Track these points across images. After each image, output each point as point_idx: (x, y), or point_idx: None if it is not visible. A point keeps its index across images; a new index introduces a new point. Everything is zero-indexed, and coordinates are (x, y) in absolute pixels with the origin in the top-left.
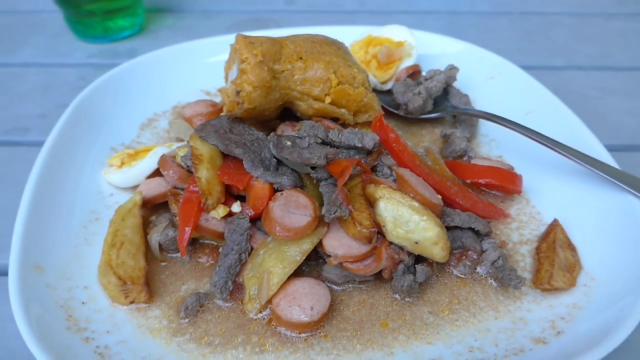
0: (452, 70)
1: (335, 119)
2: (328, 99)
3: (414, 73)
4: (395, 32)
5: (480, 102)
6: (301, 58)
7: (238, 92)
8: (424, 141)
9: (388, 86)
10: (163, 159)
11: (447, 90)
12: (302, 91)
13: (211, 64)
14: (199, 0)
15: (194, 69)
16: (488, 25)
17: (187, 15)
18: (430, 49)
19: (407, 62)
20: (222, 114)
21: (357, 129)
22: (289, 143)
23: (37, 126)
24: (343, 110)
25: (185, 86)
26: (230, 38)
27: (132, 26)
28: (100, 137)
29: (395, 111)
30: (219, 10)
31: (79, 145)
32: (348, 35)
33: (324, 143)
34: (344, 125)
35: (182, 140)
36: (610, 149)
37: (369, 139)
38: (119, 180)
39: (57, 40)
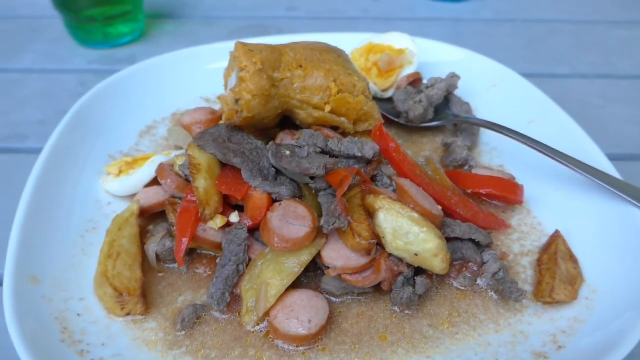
0: (453, 78)
1: (334, 128)
2: (327, 108)
3: (415, 81)
4: (396, 40)
5: (481, 111)
6: (301, 66)
7: (237, 100)
8: (424, 149)
9: (388, 94)
10: (161, 168)
11: (448, 98)
12: (302, 99)
13: (211, 71)
14: (199, 6)
15: (194, 76)
16: (490, 32)
17: (188, 21)
18: (432, 56)
19: (408, 70)
20: (220, 122)
21: (356, 137)
22: (287, 152)
23: (36, 133)
24: (343, 118)
25: (185, 93)
26: (230, 45)
27: (132, 32)
28: (98, 144)
29: (396, 119)
30: (220, 16)
31: (77, 152)
32: (349, 42)
33: (323, 152)
34: (344, 133)
35: (180, 148)
36: (612, 157)
37: (369, 148)
38: (117, 188)
39: (57, 45)
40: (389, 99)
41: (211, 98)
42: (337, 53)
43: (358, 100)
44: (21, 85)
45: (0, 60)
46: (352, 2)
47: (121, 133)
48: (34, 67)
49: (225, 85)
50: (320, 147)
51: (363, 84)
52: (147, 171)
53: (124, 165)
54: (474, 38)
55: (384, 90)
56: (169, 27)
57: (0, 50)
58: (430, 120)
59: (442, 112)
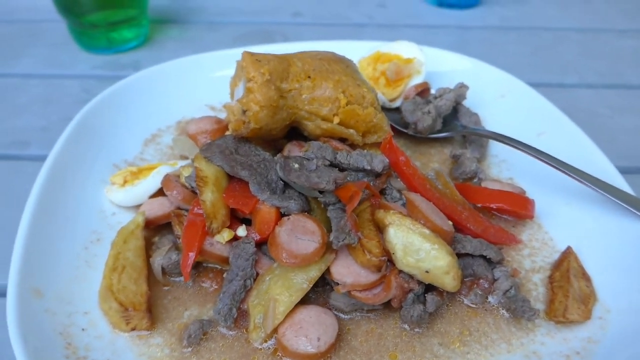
0: (461, 88)
1: (343, 140)
2: (336, 119)
3: (423, 91)
4: (404, 49)
5: (490, 121)
6: (309, 77)
7: (244, 112)
8: (432, 161)
9: (396, 104)
10: (167, 179)
11: (456, 108)
12: (310, 111)
13: (216, 78)
14: (204, 12)
15: (199, 83)
16: (496, 40)
17: (193, 26)
18: (440, 65)
19: (416, 79)
20: (227, 132)
21: (365, 150)
22: (296, 165)
23: (39, 140)
24: (352, 130)
25: (190, 101)
26: (236, 52)
27: (136, 37)
28: (103, 153)
29: (404, 130)
30: (225, 21)
31: (82, 161)
32: (356, 50)
33: (332, 165)
34: (352, 145)
35: (186, 158)
36: (621, 170)
37: (378, 161)
38: (122, 199)
39: (59, 50)
40: (397, 109)
41: (217, 106)
42: (345, 63)
43: (367, 112)
44: (22, 91)
45: (1, 65)
46: (358, 8)
47: (126, 141)
48: (35, 72)
49: (232, 94)
50: (329, 160)
51: (372, 95)
52: (152, 182)
53: (129, 176)
54: (481, 46)
55: (391, 100)
56: (173, 33)
57: (0, 55)
58: (439, 132)
59: (450, 123)
